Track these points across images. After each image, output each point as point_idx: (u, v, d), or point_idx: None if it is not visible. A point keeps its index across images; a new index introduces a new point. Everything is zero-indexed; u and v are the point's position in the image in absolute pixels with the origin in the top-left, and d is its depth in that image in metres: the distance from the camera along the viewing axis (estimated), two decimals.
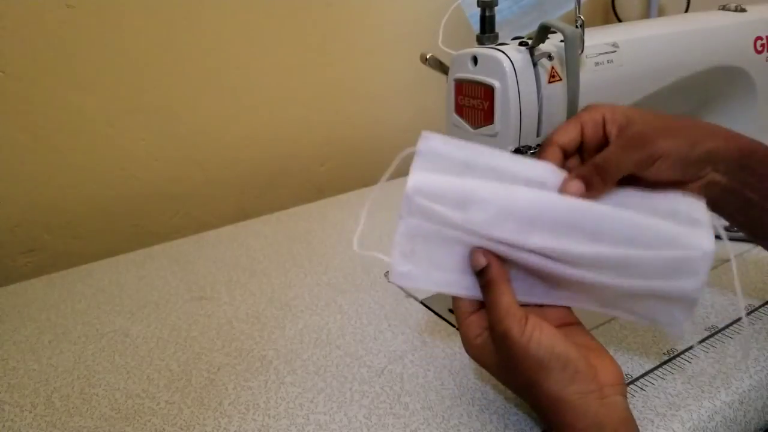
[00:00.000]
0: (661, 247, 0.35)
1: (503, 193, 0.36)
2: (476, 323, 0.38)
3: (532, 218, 0.35)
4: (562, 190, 0.37)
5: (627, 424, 0.34)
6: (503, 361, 0.36)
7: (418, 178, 0.37)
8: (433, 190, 0.36)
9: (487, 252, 0.36)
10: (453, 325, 0.54)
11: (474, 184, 0.36)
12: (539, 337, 0.34)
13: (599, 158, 0.37)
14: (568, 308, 0.40)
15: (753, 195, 0.39)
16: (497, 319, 0.35)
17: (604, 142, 0.39)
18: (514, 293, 0.36)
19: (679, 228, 0.36)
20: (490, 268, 0.36)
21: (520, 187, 0.36)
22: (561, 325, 0.39)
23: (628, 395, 0.43)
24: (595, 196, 0.37)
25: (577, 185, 0.37)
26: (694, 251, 0.35)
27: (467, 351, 0.39)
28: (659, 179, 0.38)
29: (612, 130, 0.39)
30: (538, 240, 0.35)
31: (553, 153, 0.39)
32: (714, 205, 0.42)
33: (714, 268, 0.59)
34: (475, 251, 0.37)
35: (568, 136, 0.40)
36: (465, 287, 0.38)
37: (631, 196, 0.38)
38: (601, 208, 0.36)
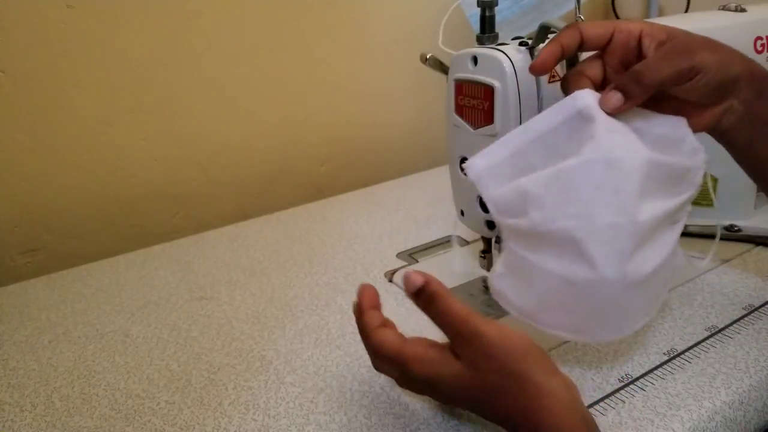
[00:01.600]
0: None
1: (555, 177, 0.35)
2: (417, 342, 0.36)
3: (591, 195, 0.34)
4: (602, 104, 0.36)
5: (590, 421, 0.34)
6: (475, 369, 0.33)
7: (490, 197, 0.37)
8: (503, 204, 0.37)
9: (418, 271, 0.35)
10: None
11: (524, 182, 0.36)
12: (509, 330, 0.33)
13: (639, 66, 0.36)
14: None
15: (765, 128, 0.39)
16: (459, 322, 0.33)
17: (637, 59, 0.38)
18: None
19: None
20: (430, 282, 0.35)
21: (563, 165, 0.35)
22: None
23: (629, 395, 0.43)
24: (633, 105, 0.37)
25: (616, 97, 0.36)
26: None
27: (419, 369, 0.36)
28: (689, 97, 0.38)
29: (650, 44, 0.38)
30: (605, 217, 0.34)
31: (584, 83, 0.39)
32: (726, 136, 0.42)
33: (714, 268, 0.59)
34: (407, 274, 0.36)
35: (595, 69, 0.39)
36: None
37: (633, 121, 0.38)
38: (639, 158, 0.35)
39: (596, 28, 0.39)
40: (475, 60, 0.48)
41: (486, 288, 0.58)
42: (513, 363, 0.32)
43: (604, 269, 0.34)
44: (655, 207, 0.36)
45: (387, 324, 0.38)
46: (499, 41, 0.49)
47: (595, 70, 0.40)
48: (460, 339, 0.33)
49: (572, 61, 0.46)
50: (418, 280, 0.35)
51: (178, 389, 0.49)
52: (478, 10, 0.49)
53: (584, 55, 0.42)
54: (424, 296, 0.35)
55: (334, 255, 0.69)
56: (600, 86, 0.40)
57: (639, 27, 0.39)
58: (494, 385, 0.33)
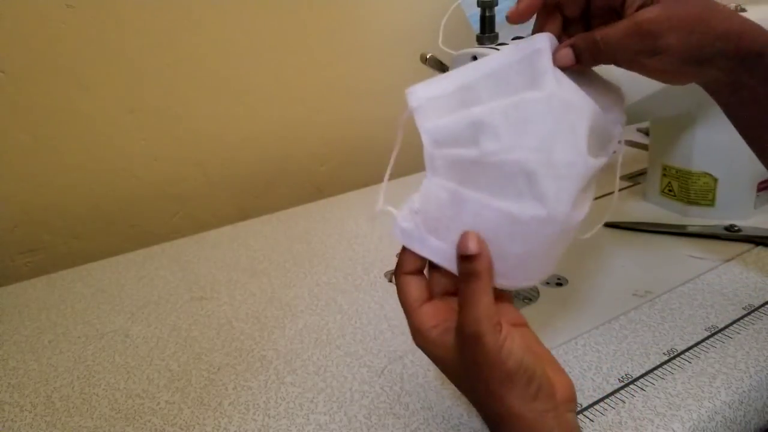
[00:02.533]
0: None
1: (514, 107, 0.33)
2: (432, 314, 0.35)
3: (551, 130, 0.33)
4: (554, 56, 0.35)
5: None
6: (465, 364, 0.33)
7: (428, 128, 0.35)
8: (446, 135, 0.34)
9: (482, 241, 0.32)
10: None
11: (477, 111, 0.34)
12: (510, 347, 0.31)
13: (600, 35, 0.36)
14: (517, 308, 0.37)
15: (754, 92, 0.38)
16: (473, 318, 0.31)
17: (616, 4, 0.37)
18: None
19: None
20: (480, 257, 0.32)
21: (522, 96, 0.34)
22: (513, 326, 0.36)
23: (629, 395, 0.43)
24: (582, 68, 0.36)
25: (567, 54, 0.36)
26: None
27: (417, 341, 0.35)
28: (649, 70, 0.37)
29: (631, 3, 0.36)
30: (562, 154, 0.33)
31: (553, 20, 0.38)
32: (713, 94, 0.41)
33: (714, 268, 0.59)
34: (468, 233, 0.32)
35: (573, 6, 0.38)
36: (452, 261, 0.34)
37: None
38: (591, 103, 0.35)
39: None
40: (475, 60, 0.48)
41: None
42: (495, 384, 0.32)
43: (554, 207, 0.32)
44: (598, 158, 0.35)
45: (420, 271, 0.36)
46: (499, 41, 0.49)
47: (573, 7, 0.38)
48: (463, 333, 0.32)
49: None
50: (472, 248, 0.32)
51: (178, 389, 0.49)
52: (478, 10, 0.49)
53: None
54: (465, 267, 0.32)
55: (334, 255, 0.69)
56: (576, 18, 0.39)
57: None
58: (477, 393, 0.34)
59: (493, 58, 0.36)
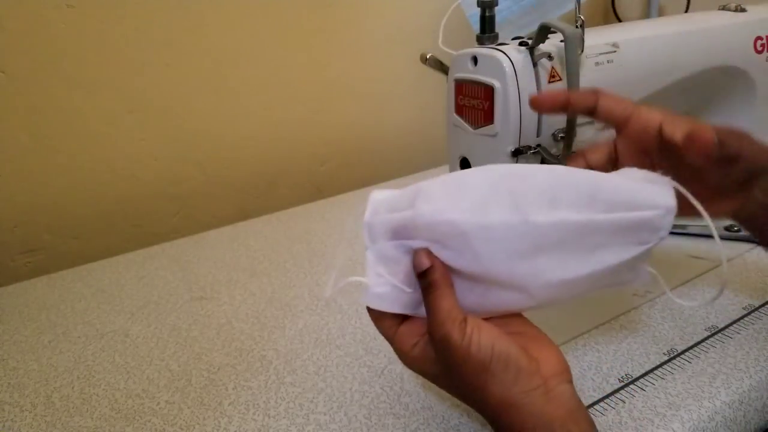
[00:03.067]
0: (622, 206, 0.34)
1: (451, 178, 0.35)
2: (408, 333, 0.36)
3: (484, 195, 0.33)
4: (695, 135, 0.36)
5: (575, 414, 0.33)
6: (445, 368, 0.34)
7: (372, 200, 0.37)
8: (386, 205, 0.36)
9: (431, 254, 0.34)
10: None
11: (419, 184, 0.35)
12: (479, 339, 0.32)
13: (716, 128, 0.37)
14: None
15: None
16: (437, 323, 0.33)
17: (657, 147, 0.39)
18: (456, 297, 0.34)
19: (638, 185, 0.35)
20: (433, 269, 0.34)
21: (469, 171, 0.35)
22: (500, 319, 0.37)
23: (629, 395, 0.43)
24: (705, 161, 0.37)
25: (711, 136, 0.36)
26: (656, 210, 0.34)
27: (405, 363, 0.36)
28: (721, 182, 0.39)
29: (674, 132, 0.37)
30: (497, 215, 0.33)
31: (578, 163, 0.41)
32: (747, 223, 0.43)
33: (714, 268, 0.59)
34: (418, 252, 0.34)
35: (598, 154, 0.41)
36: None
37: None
38: (557, 170, 0.34)
39: (614, 104, 0.40)
40: (475, 60, 0.48)
41: None
42: (473, 378, 0.33)
43: (490, 265, 0.33)
44: (565, 215, 0.34)
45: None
46: (499, 41, 0.49)
47: (597, 155, 0.41)
48: (433, 340, 0.34)
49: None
50: (424, 264, 0.34)
51: (178, 389, 0.49)
52: (478, 10, 0.49)
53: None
54: (423, 282, 0.34)
55: (334, 255, 0.69)
56: (600, 169, 0.40)
57: (659, 118, 0.39)
58: (464, 392, 0.34)
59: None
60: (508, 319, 0.37)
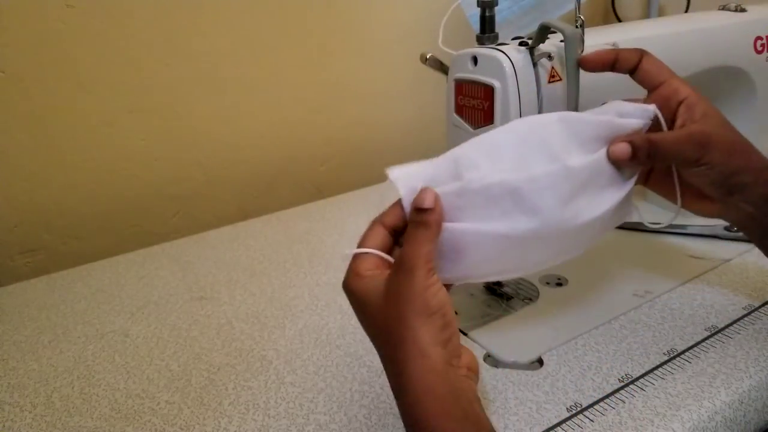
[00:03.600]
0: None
1: (483, 141, 0.37)
2: (372, 261, 0.36)
3: (521, 151, 0.36)
4: (610, 148, 0.39)
5: (479, 401, 0.33)
6: (389, 297, 0.34)
7: (399, 176, 0.37)
8: (423, 177, 0.36)
9: (438, 198, 0.35)
10: None
11: (449, 154, 0.37)
12: (437, 290, 0.33)
13: (658, 137, 0.40)
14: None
15: None
16: (412, 254, 0.33)
17: (669, 116, 0.42)
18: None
19: (632, 122, 0.40)
20: (434, 212, 0.35)
21: (483, 134, 0.37)
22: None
23: (629, 395, 0.43)
24: (634, 166, 0.40)
25: (624, 149, 0.39)
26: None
27: (347, 281, 0.36)
28: (692, 182, 0.42)
29: (684, 114, 0.41)
30: (539, 166, 0.36)
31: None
32: (741, 227, 0.45)
33: (714, 268, 0.59)
34: (426, 189, 0.35)
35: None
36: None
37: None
38: (568, 116, 0.38)
39: (654, 67, 0.43)
40: (475, 60, 0.48)
41: (486, 288, 0.58)
42: (412, 314, 0.33)
43: (547, 215, 0.36)
44: (586, 158, 0.38)
45: (393, 228, 0.38)
46: (499, 41, 0.49)
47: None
48: (399, 266, 0.34)
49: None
50: (428, 202, 0.35)
51: (178, 389, 0.49)
52: (478, 10, 0.49)
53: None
54: (419, 216, 0.35)
55: (334, 255, 0.69)
56: None
57: (687, 92, 0.41)
58: (389, 328, 0.34)
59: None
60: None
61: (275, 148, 0.91)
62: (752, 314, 0.52)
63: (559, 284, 0.58)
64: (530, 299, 0.56)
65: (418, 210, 0.35)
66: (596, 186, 0.39)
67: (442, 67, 0.52)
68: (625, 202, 0.41)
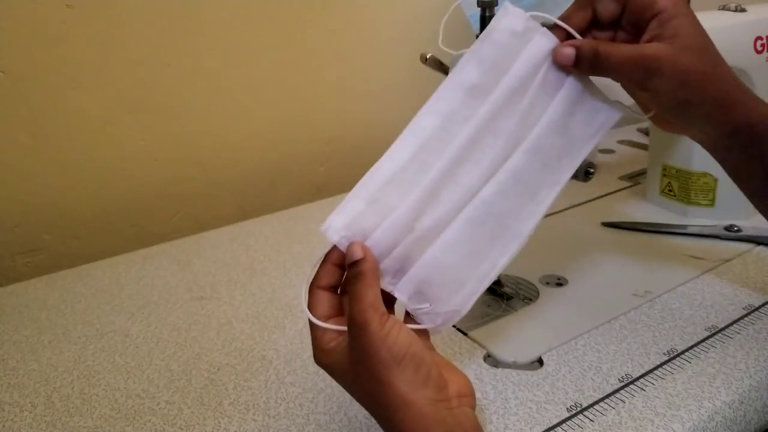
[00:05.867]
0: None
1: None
2: (331, 331, 0.36)
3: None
4: (554, 51, 0.37)
5: (479, 428, 0.33)
6: (355, 360, 0.33)
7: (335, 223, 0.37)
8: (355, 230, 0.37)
9: (366, 247, 0.35)
10: (454, 326, 0.54)
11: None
12: (397, 334, 0.32)
13: (603, 49, 0.37)
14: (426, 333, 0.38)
15: (746, 164, 0.40)
16: (359, 309, 0.33)
17: (636, 19, 0.38)
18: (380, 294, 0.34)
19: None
20: (365, 260, 0.34)
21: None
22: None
23: (629, 395, 0.43)
24: (577, 74, 0.38)
25: (568, 55, 0.37)
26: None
27: (317, 357, 0.36)
28: (640, 101, 0.40)
29: (652, 29, 0.37)
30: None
31: (585, 12, 0.39)
32: (709, 151, 0.42)
33: (714, 268, 0.59)
34: (353, 244, 0.35)
35: (579, 16, 0.39)
36: None
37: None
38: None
39: (576, 14, 0.39)
40: None
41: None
42: (382, 369, 0.32)
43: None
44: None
45: (334, 287, 0.37)
46: None
47: (580, 16, 0.39)
48: (351, 326, 0.33)
49: None
50: (357, 254, 0.34)
51: (178, 389, 0.49)
52: (478, 10, 0.49)
53: None
54: (353, 270, 0.34)
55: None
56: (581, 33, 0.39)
57: (665, 5, 0.37)
58: (366, 386, 0.33)
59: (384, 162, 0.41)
60: (428, 347, 0.37)
61: (275, 148, 0.91)
62: (752, 314, 0.52)
63: (559, 284, 0.58)
64: (530, 299, 0.56)
65: (352, 264, 0.34)
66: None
67: (442, 67, 0.52)
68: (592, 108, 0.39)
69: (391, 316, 0.34)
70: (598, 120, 0.39)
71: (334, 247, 0.36)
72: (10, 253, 0.75)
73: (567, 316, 0.53)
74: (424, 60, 0.52)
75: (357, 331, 0.32)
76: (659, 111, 0.40)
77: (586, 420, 0.41)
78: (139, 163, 0.81)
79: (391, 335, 0.32)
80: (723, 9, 0.62)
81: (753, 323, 0.50)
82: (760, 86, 0.62)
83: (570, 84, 0.38)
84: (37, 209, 0.75)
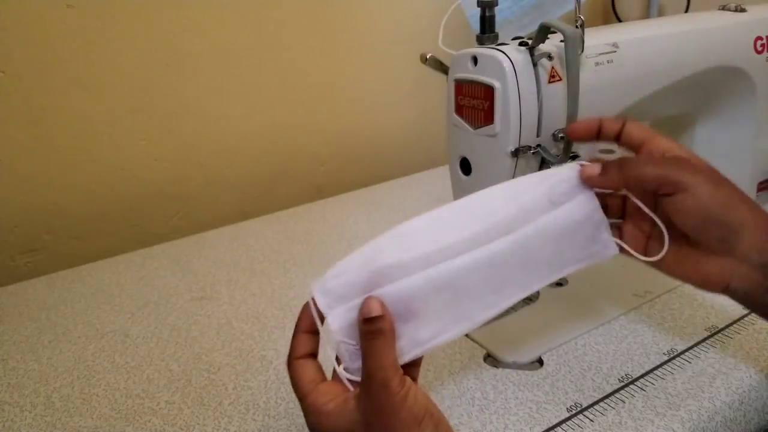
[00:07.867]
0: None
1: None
2: (326, 391, 0.35)
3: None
4: (582, 171, 0.37)
5: None
6: (369, 421, 0.32)
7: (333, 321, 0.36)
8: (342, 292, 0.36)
9: (384, 305, 0.34)
10: None
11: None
12: (415, 394, 0.32)
13: (630, 157, 0.37)
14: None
15: None
16: (380, 366, 0.32)
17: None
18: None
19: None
20: (384, 318, 0.33)
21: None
22: None
23: (629, 395, 0.43)
24: (607, 184, 0.37)
25: (594, 167, 0.37)
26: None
27: (313, 423, 0.35)
28: (678, 222, 0.36)
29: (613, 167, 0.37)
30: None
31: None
32: (744, 302, 0.38)
33: None
34: (370, 298, 0.34)
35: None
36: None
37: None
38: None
39: (637, 128, 0.39)
40: (475, 60, 0.48)
41: None
42: (402, 429, 0.32)
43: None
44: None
45: (313, 354, 0.37)
46: (499, 41, 0.49)
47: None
48: (370, 385, 0.33)
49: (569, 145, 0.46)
50: (376, 310, 0.33)
51: (178, 389, 0.49)
52: (478, 10, 0.49)
53: None
54: (369, 327, 0.34)
55: (334, 255, 0.69)
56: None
57: (669, 146, 0.38)
58: None
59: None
60: None
61: (275, 149, 0.91)
62: (752, 314, 0.52)
63: (559, 284, 0.58)
64: (530, 299, 0.56)
65: (368, 320, 0.33)
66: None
67: (442, 68, 0.52)
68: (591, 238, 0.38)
69: (406, 376, 0.33)
70: (592, 249, 0.38)
71: (302, 316, 0.36)
72: (10, 253, 0.75)
73: (567, 316, 0.53)
74: (424, 60, 0.52)
75: (376, 390, 0.32)
76: (694, 226, 0.36)
77: (586, 420, 0.41)
78: (139, 163, 0.81)
79: (410, 395, 0.32)
80: (723, 9, 0.62)
81: (753, 323, 0.50)
82: (760, 86, 0.62)
83: (578, 202, 0.37)
84: (37, 209, 0.75)
